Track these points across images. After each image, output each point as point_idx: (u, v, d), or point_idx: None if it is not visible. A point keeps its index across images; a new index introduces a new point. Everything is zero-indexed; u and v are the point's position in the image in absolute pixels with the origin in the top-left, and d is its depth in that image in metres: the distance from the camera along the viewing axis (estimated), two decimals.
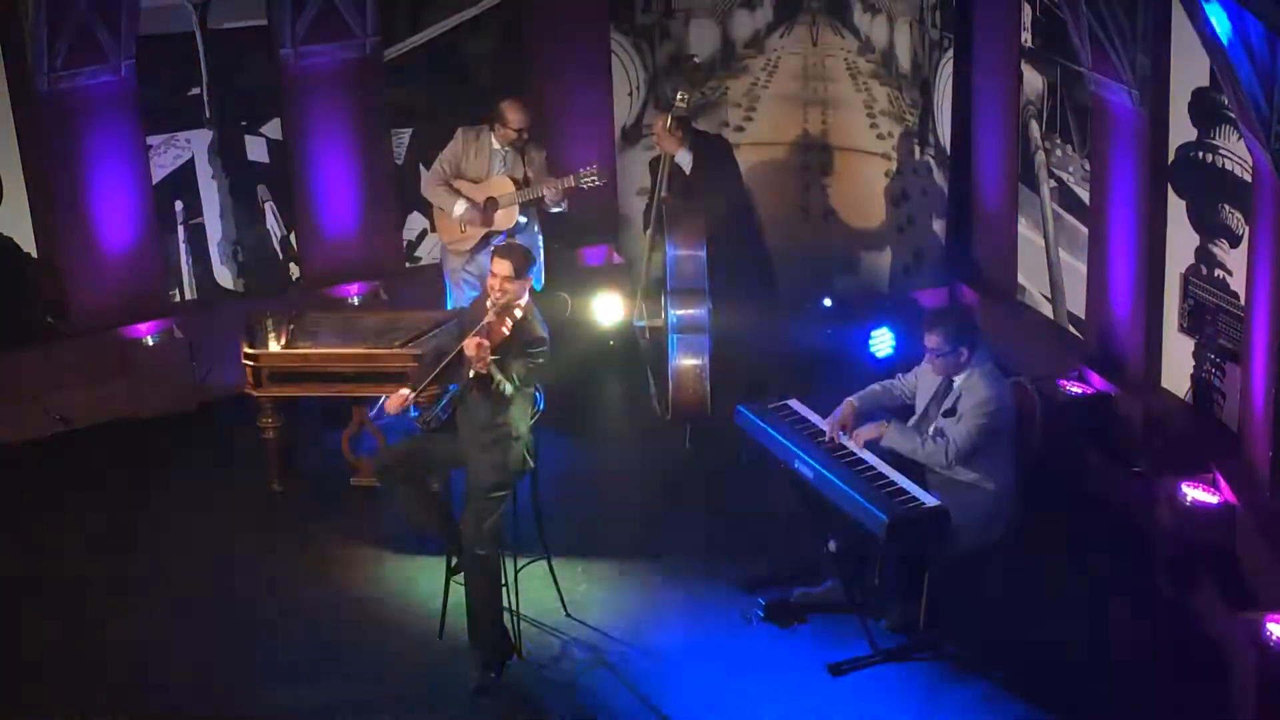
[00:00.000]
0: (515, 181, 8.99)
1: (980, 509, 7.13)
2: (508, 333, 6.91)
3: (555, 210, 9.07)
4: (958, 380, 7.20)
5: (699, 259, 8.94)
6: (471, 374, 6.81)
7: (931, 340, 7.16)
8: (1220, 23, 6.71)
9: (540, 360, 6.99)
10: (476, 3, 10.46)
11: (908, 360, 9.35)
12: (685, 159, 9.13)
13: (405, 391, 7.14)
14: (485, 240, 9.07)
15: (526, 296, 7.04)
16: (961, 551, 7.20)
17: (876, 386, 7.50)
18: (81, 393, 9.61)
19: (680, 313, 8.90)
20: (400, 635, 7.45)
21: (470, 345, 6.74)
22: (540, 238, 9.29)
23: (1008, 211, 9.79)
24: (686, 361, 8.88)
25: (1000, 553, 7.40)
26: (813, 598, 7.52)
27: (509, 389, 6.88)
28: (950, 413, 7.18)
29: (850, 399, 7.38)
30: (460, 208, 8.98)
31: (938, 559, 7.16)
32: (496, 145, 9.07)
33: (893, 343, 9.70)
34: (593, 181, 8.86)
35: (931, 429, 7.22)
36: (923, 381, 7.39)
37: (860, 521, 6.92)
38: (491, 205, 8.96)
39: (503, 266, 6.95)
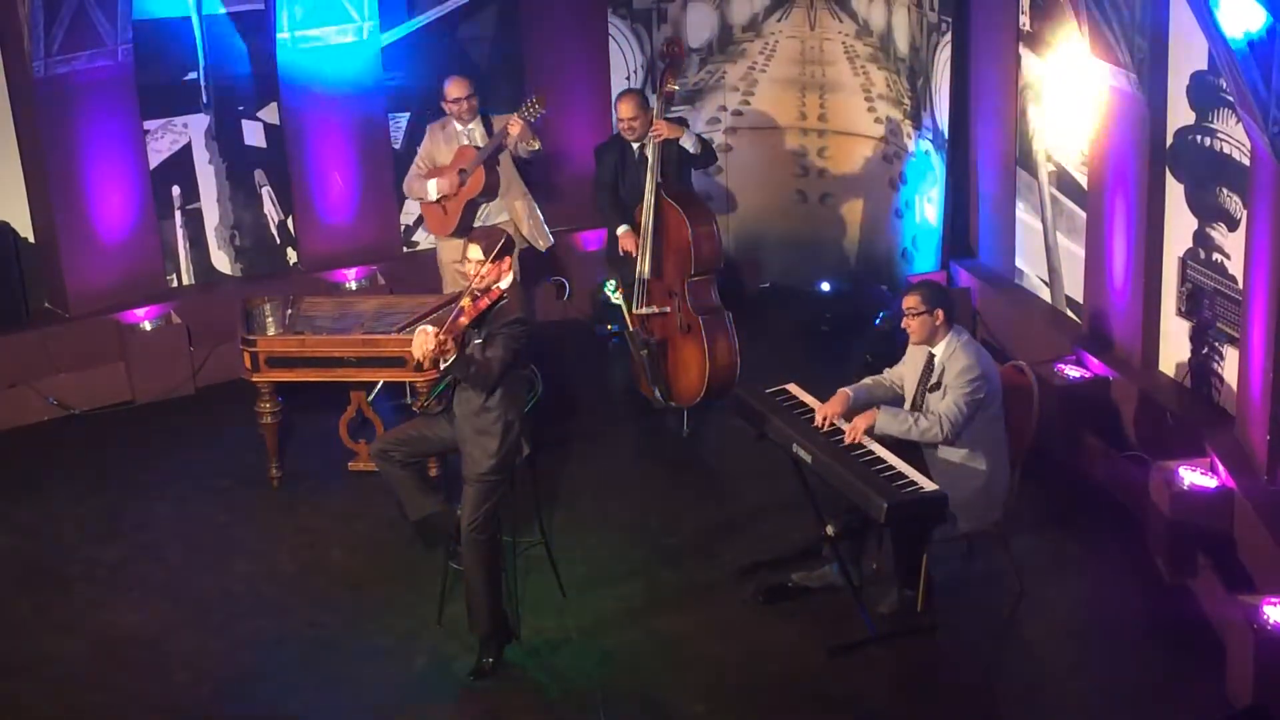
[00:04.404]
0: (478, 147, 9.05)
1: (972, 490, 7.15)
2: (474, 318, 6.83)
3: (529, 153, 9.06)
4: (938, 354, 7.22)
5: (716, 239, 9.03)
6: (441, 365, 6.74)
7: (908, 301, 7.21)
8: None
9: (520, 341, 6.91)
10: None
11: (889, 336, 9.45)
12: (691, 140, 9.13)
13: (429, 327, 6.94)
14: (469, 225, 9.11)
15: (509, 279, 6.97)
16: (957, 533, 7.22)
17: (869, 380, 7.52)
18: (79, 378, 9.62)
19: (703, 293, 9.03)
20: (399, 620, 7.46)
21: (419, 337, 6.64)
22: (532, 198, 9.33)
23: (1006, 195, 9.79)
24: (719, 341, 8.99)
25: (996, 535, 7.43)
26: (811, 580, 7.54)
27: (490, 376, 6.80)
28: (936, 387, 7.20)
29: (845, 389, 7.39)
30: (433, 185, 9.08)
31: (936, 542, 7.18)
32: (459, 127, 9.11)
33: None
34: (536, 110, 8.91)
35: (922, 408, 7.25)
36: (909, 367, 7.41)
37: (859, 505, 6.94)
38: (463, 175, 9.00)
39: (474, 250, 6.87)
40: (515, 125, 8.88)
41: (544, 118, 8.99)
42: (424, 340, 6.63)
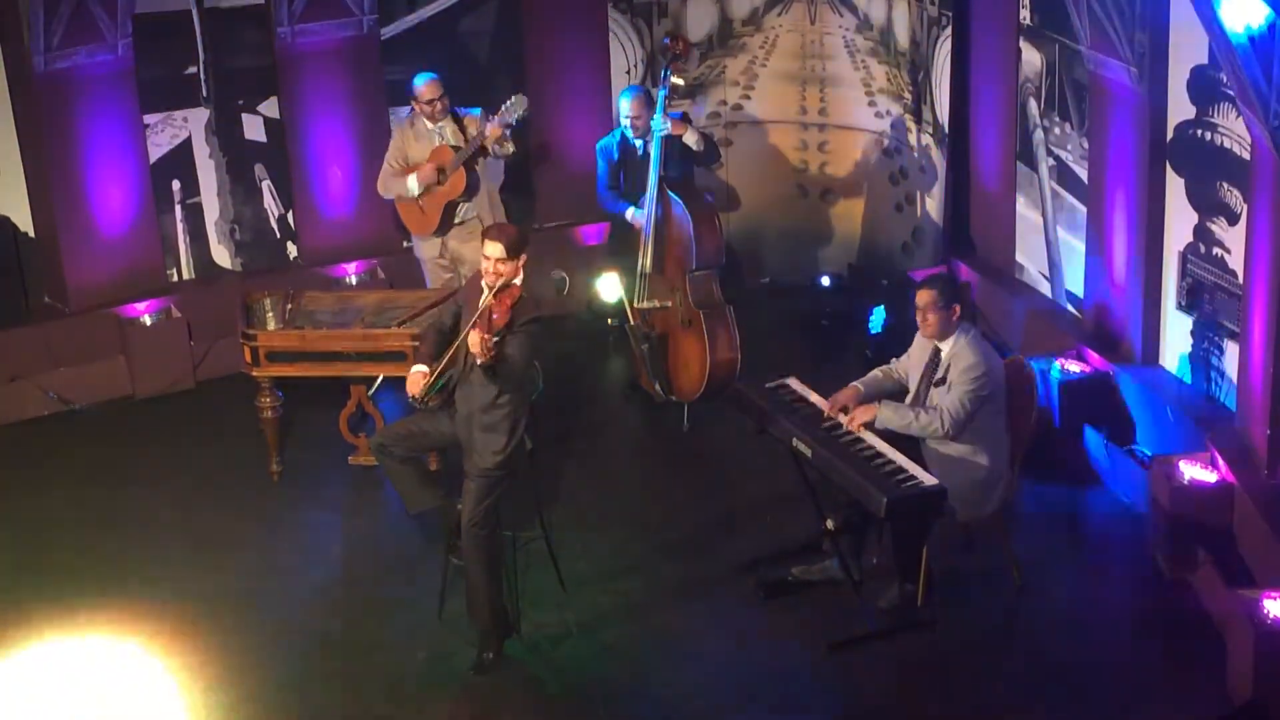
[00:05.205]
0: (455, 147, 9.02)
1: (973, 481, 7.17)
2: (508, 316, 6.86)
3: (503, 155, 9.04)
4: (945, 349, 7.22)
5: (718, 234, 9.04)
6: (479, 364, 6.76)
7: (925, 297, 7.18)
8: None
9: (537, 339, 6.96)
10: None
11: (892, 330, 9.44)
12: (694, 137, 9.16)
13: (422, 368, 7.07)
14: (449, 223, 9.09)
15: (521, 276, 7.00)
16: (956, 525, 7.23)
17: (878, 371, 7.53)
18: (79, 372, 9.61)
19: (704, 288, 9.03)
20: (399, 615, 7.46)
21: (473, 340, 6.68)
22: (500, 204, 9.29)
23: (1006, 190, 9.78)
24: (720, 336, 8.99)
25: (996, 529, 7.43)
26: (811, 575, 7.54)
27: (513, 373, 6.84)
28: (941, 382, 7.20)
29: (855, 383, 7.40)
30: (414, 182, 9.01)
31: (934, 536, 7.18)
32: (430, 126, 9.08)
33: (882, 319, 9.73)
34: (515, 113, 8.86)
35: (925, 402, 7.25)
36: (913, 360, 7.41)
37: (859, 500, 6.94)
38: (441, 174, 8.98)
39: (494, 249, 6.89)
40: (495, 131, 8.86)
41: (522, 121, 8.94)
42: (477, 341, 6.66)
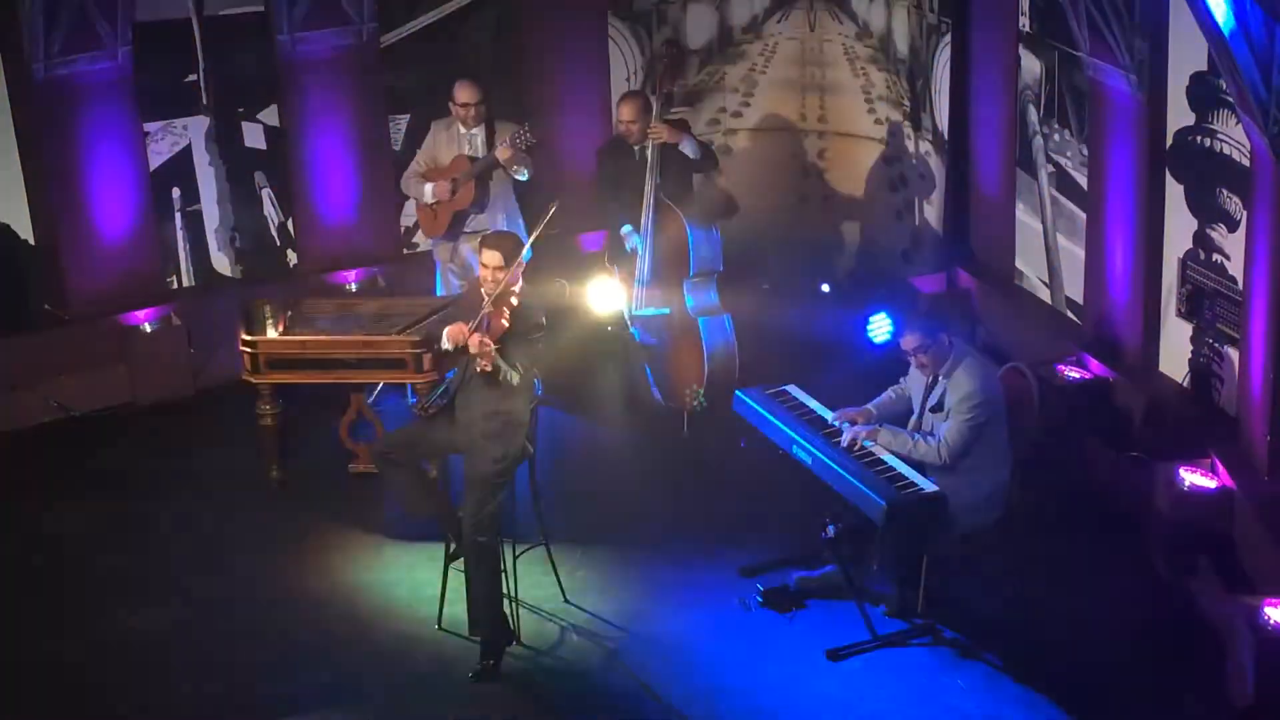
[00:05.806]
0: (472, 158, 9.03)
1: (976, 492, 7.16)
2: (507, 323, 6.88)
3: (519, 177, 9.07)
4: (943, 376, 7.21)
5: (715, 240, 9.06)
6: (477, 368, 6.78)
7: (911, 341, 7.17)
8: (1223, 14, 6.71)
9: (539, 346, 7.00)
10: None
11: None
12: (691, 145, 9.14)
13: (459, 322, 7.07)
14: (459, 230, 9.11)
15: (521, 282, 7.02)
16: (959, 534, 7.22)
17: (891, 392, 7.54)
18: (79, 380, 9.61)
19: (702, 295, 9.06)
20: (399, 623, 7.46)
21: (473, 342, 6.70)
22: (519, 215, 9.29)
23: (1006, 197, 9.78)
24: (718, 343, 9.02)
25: (998, 536, 7.43)
26: (811, 583, 7.53)
27: (515, 378, 6.86)
28: (937, 408, 7.20)
29: (869, 406, 7.41)
30: (429, 190, 9.06)
31: (936, 543, 7.18)
32: (463, 130, 9.10)
33: (890, 328, 9.70)
34: (524, 139, 8.87)
35: (925, 428, 7.25)
36: (913, 384, 7.42)
37: (858, 507, 6.94)
38: (455, 184, 9.00)
39: (492, 257, 6.92)
40: (504, 151, 8.87)
41: (530, 145, 8.96)
42: (458, 335, 6.68)
